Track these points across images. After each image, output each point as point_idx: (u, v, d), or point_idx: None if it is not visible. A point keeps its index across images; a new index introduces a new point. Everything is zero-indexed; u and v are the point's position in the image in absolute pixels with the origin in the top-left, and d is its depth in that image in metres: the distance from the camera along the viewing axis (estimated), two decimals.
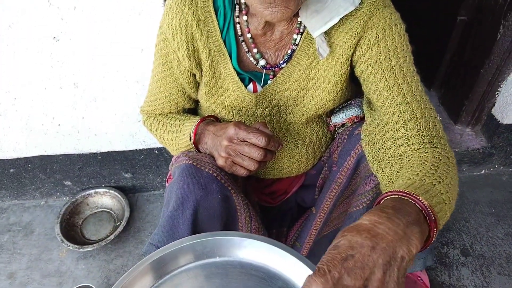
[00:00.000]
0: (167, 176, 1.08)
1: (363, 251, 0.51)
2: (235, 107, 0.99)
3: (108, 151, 1.58)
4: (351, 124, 1.03)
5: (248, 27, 0.91)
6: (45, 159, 1.60)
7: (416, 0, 1.82)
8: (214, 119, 1.02)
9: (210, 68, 0.94)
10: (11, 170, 1.64)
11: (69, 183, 1.71)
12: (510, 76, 1.52)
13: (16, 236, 1.69)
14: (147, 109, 1.10)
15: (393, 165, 0.80)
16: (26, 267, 1.59)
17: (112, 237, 1.58)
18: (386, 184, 0.80)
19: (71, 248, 1.56)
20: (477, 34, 1.57)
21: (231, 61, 0.94)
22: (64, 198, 1.79)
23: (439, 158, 0.75)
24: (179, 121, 1.04)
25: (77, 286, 1.43)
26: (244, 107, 0.99)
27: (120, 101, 1.41)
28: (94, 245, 1.57)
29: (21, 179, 1.68)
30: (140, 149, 1.58)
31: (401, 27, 0.87)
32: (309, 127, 1.05)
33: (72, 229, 1.67)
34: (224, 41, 0.93)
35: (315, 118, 1.04)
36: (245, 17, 0.90)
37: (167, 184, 1.01)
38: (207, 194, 0.86)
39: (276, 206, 1.25)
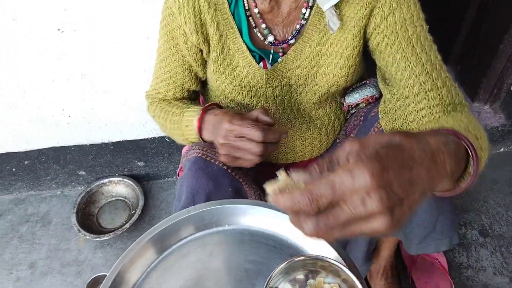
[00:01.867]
0: (179, 168, 1.07)
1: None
2: (245, 86, 0.95)
3: (120, 141, 1.58)
4: (366, 105, 1.00)
5: (255, 1, 0.88)
6: (58, 150, 1.61)
7: None
8: (216, 106, 0.96)
9: (218, 43, 0.90)
10: (26, 162, 1.66)
11: (83, 173, 1.72)
12: None
13: (34, 226, 1.72)
14: (152, 93, 1.07)
15: (410, 113, 0.79)
16: (46, 256, 1.62)
17: (127, 225, 1.59)
18: None
19: (88, 237, 1.58)
20: (495, 9, 1.51)
21: (241, 35, 0.90)
22: (79, 188, 1.80)
23: (469, 119, 0.72)
24: (180, 109, 0.98)
25: (94, 276, 1.45)
26: (255, 85, 0.95)
27: (128, 91, 1.40)
28: (110, 234, 1.58)
29: (36, 171, 1.70)
30: (151, 138, 1.58)
31: None
32: (321, 108, 1.02)
33: (88, 219, 1.69)
34: (233, 15, 0.89)
35: (327, 99, 1.00)
36: None
37: (178, 177, 1.00)
38: (218, 188, 0.85)
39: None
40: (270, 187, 0.46)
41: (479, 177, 1.67)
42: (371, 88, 0.99)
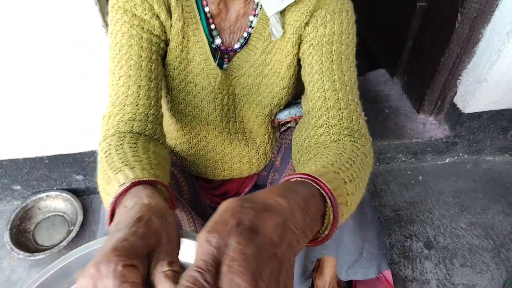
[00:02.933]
0: None
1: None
2: (196, 84, 0.88)
3: (55, 154, 1.49)
4: (295, 125, 0.98)
5: (206, 0, 0.83)
6: None
7: None
8: (150, 187, 0.60)
9: (180, 31, 0.82)
10: None
11: (19, 187, 1.62)
12: (470, 64, 1.48)
13: None
14: (108, 115, 0.80)
15: (311, 152, 0.76)
16: None
17: (64, 243, 1.51)
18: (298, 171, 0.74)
19: (21, 256, 1.48)
20: (436, 22, 1.53)
21: (203, 26, 0.84)
22: (15, 202, 1.70)
23: (356, 153, 0.69)
24: (114, 170, 0.65)
25: None
26: (206, 87, 0.88)
27: (63, 102, 1.32)
28: (46, 252, 1.49)
29: None
30: (89, 151, 1.51)
31: (352, 15, 0.83)
32: (264, 125, 0.99)
33: (23, 235, 1.59)
34: (196, 3, 0.83)
35: (269, 115, 0.97)
36: None
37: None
38: None
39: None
40: None
41: (425, 187, 1.68)
42: (300, 108, 0.97)
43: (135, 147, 0.71)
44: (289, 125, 1.01)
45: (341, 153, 0.68)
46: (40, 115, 1.36)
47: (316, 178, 0.54)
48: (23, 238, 1.58)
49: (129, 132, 0.76)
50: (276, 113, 0.99)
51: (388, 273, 1.42)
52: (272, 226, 0.43)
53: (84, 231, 1.60)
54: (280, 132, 1.04)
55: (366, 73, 1.87)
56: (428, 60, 1.61)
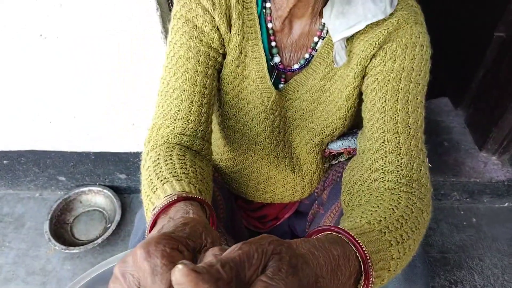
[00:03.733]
0: None
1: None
2: (249, 102, 0.85)
3: (102, 152, 1.51)
4: (347, 158, 0.92)
5: (270, 15, 0.79)
6: (37, 153, 1.55)
7: (452, 12, 1.65)
8: (195, 204, 0.59)
9: (238, 46, 0.79)
10: (5, 162, 1.60)
11: (63, 178, 1.66)
12: None
13: (7, 228, 1.65)
14: (156, 126, 0.79)
15: (362, 198, 0.70)
16: (13, 262, 1.55)
17: (99, 240, 1.52)
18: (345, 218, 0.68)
19: (57, 248, 1.51)
20: None
21: (263, 42, 0.79)
22: (59, 192, 1.74)
23: (412, 209, 0.63)
24: (161, 180, 0.64)
25: None
26: (258, 106, 0.84)
27: (113, 101, 1.33)
28: (81, 247, 1.51)
29: (15, 171, 1.64)
30: (134, 152, 1.51)
31: (427, 51, 0.75)
32: (312, 153, 0.93)
33: (62, 227, 1.62)
34: (259, 18, 0.79)
35: (320, 144, 0.91)
36: (268, 4, 0.78)
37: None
38: None
39: (266, 231, 1.15)
40: None
41: (478, 231, 1.54)
42: (356, 140, 0.90)
43: (184, 159, 0.70)
44: (340, 158, 0.95)
45: (393, 208, 0.62)
46: (92, 112, 1.37)
47: (354, 238, 0.49)
48: (61, 230, 1.61)
49: (178, 144, 0.75)
50: (328, 143, 0.93)
51: None
52: (307, 275, 0.39)
53: (120, 230, 1.61)
54: (330, 164, 0.98)
55: (428, 100, 1.76)
56: (500, 95, 1.48)
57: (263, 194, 1.02)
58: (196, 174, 0.68)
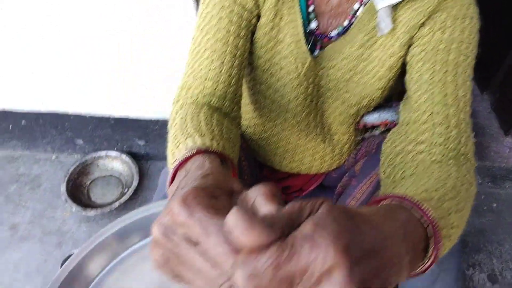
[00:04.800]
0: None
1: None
2: (282, 68, 0.81)
3: (121, 117, 1.49)
4: (383, 131, 0.89)
5: None
6: (56, 116, 1.54)
7: None
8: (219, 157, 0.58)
9: (274, 7, 0.76)
10: (23, 122, 1.59)
11: (81, 141, 1.65)
12: None
13: (23, 188, 1.65)
14: (186, 85, 0.78)
15: (406, 170, 0.67)
16: (29, 221, 1.55)
17: (117, 204, 1.52)
18: (390, 190, 0.66)
19: (74, 210, 1.51)
20: None
21: (300, 5, 0.76)
22: (75, 156, 1.73)
23: (462, 181, 0.60)
24: (190, 131, 0.64)
25: (74, 252, 1.38)
26: (292, 71, 0.81)
27: (135, 66, 1.30)
28: (98, 210, 1.51)
29: (32, 132, 1.63)
30: (155, 119, 1.49)
31: (476, 24, 0.72)
32: (345, 124, 0.90)
33: (78, 189, 1.61)
34: None
35: (354, 115, 0.89)
36: None
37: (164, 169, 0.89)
38: None
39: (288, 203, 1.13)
40: None
41: (498, 216, 1.52)
42: (394, 112, 0.87)
43: (210, 118, 0.68)
44: (375, 131, 0.92)
45: (445, 180, 0.59)
46: (113, 75, 1.35)
47: (417, 204, 0.47)
48: (78, 192, 1.60)
49: (207, 105, 0.74)
50: (363, 115, 0.91)
51: None
52: (369, 235, 0.35)
53: (137, 196, 1.60)
54: (363, 137, 0.95)
55: None
56: None
57: (290, 163, 1.00)
58: (221, 132, 0.66)
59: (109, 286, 0.61)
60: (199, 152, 0.55)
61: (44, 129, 1.61)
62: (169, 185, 0.54)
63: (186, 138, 0.61)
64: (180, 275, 0.42)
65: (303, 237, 0.33)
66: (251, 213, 0.33)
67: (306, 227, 0.34)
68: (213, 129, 0.65)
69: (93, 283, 0.62)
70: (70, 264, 0.62)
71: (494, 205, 1.59)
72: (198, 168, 0.51)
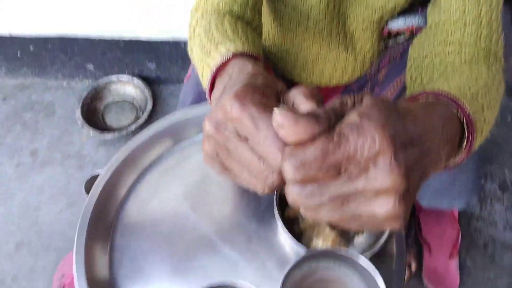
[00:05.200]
0: (187, 74, 0.96)
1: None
2: None
3: (131, 40, 1.46)
4: (409, 38, 0.87)
5: None
6: (65, 40, 1.51)
7: None
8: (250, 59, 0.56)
9: None
10: (31, 48, 1.56)
11: (91, 66, 1.63)
12: None
13: (38, 115, 1.66)
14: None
15: (434, 72, 0.67)
16: (48, 147, 1.58)
17: (133, 127, 1.53)
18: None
19: (91, 133, 1.53)
20: None
21: None
22: (86, 82, 1.72)
23: (492, 80, 0.61)
24: (219, 39, 0.62)
25: (96, 172, 1.41)
26: None
27: None
28: (115, 133, 1.53)
29: (41, 59, 1.61)
30: (165, 40, 1.46)
31: None
32: (369, 31, 0.88)
33: (93, 114, 1.62)
34: None
35: (378, 22, 0.86)
36: None
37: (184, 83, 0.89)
38: None
39: None
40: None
41: (510, 128, 1.52)
42: (420, 17, 0.84)
43: (235, 25, 0.67)
44: (399, 38, 0.89)
45: (476, 78, 0.59)
46: None
47: (454, 99, 0.47)
48: (93, 117, 1.61)
49: (229, 13, 0.72)
50: (387, 21, 0.88)
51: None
52: (409, 126, 0.36)
53: (152, 119, 1.61)
54: (386, 46, 0.93)
55: None
56: None
57: (310, 75, 0.98)
58: (248, 38, 0.65)
59: (149, 186, 0.64)
60: (235, 56, 0.55)
61: (53, 55, 1.59)
62: (209, 94, 0.55)
63: (218, 45, 0.60)
64: (228, 168, 0.45)
65: (350, 125, 0.34)
66: (295, 110, 0.35)
67: (352, 117, 0.35)
68: (241, 36, 0.64)
69: (134, 184, 0.64)
70: (112, 166, 0.64)
71: (509, 117, 1.59)
72: (241, 71, 0.51)
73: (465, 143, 0.46)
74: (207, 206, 0.61)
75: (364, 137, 0.33)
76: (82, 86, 1.70)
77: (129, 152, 0.65)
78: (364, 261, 0.48)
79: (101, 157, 1.55)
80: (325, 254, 0.51)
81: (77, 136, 1.60)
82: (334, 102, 0.38)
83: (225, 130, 0.41)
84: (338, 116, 0.36)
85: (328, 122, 0.35)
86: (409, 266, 1.30)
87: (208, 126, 0.42)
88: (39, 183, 1.50)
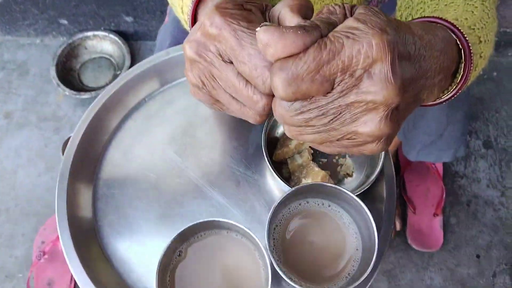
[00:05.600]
0: (165, 19, 0.90)
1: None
2: None
3: None
4: None
5: None
6: None
7: None
8: None
9: None
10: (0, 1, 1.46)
11: (65, 21, 1.54)
12: None
13: (11, 74, 1.58)
14: None
15: (425, 9, 0.64)
16: (22, 108, 1.52)
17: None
18: None
19: (67, 93, 1.46)
20: None
21: None
22: (61, 39, 1.63)
23: (488, 14, 0.57)
24: None
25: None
26: None
27: None
28: (92, 92, 1.47)
29: (12, 12, 1.51)
30: None
31: None
32: None
33: (69, 74, 1.55)
34: None
35: None
36: None
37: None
38: None
39: None
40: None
41: (497, 85, 1.50)
42: None
43: None
44: None
45: (472, 11, 0.56)
46: None
47: (454, 26, 0.44)
48: (69, 77, 1.55)
49: None
50: None
51: (439, 164, 1.36)
52: (407, 37, 0.34)
53: None
54: None
55: None
56: None
57: None
58: None
59: (131, 131, 0.61)
60: None
61: (24, 8, 1.49)
62: (191, 26, 0.49)
63: None
64: (217, 99, 0.42)
65: (345, 31, 0.31)
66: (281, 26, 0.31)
67: (348, 22, 0.31)
68: None
69: (117, 130, 0.61)
70: (90, 113, 0.60)
71: (495, 73, 1.57)
72: None
73: (460, 75, 0.43)
74: (194, 151, 0.59)
75: (361, 43, 0.30)
76: (56, 43, 1.62)
77: (107, 98, 0.62)
78: (353, 198, 0.46)
79: (78, 118, 1.48)
80: (313, 189, 0.49)
81: (53, 96, 1.53)
82: (322, 11, 0.34)
83: (207, 51, 0.38)
84: (329, 27, 0.32)
85: (319, 33, 0.31)
86: (394, 225, 1.30)
87: (188, 50, 0.39)
88: (15, 146, 1.45)
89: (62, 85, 1.46)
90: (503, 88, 1.54)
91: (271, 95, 0.36)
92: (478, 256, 1.28)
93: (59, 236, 0.51)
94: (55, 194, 0.54)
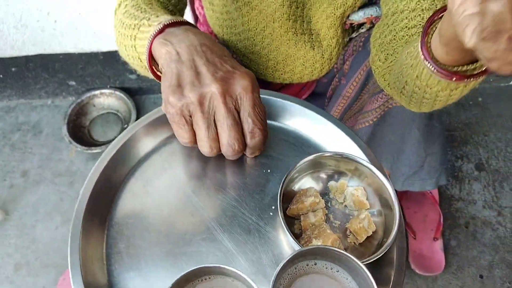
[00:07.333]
0: None
1: None
2: None
3: (110, 51, 1.49)
4: (369, 28, 0.92)
5: None
6: (45, 57, 1.53)
7: None
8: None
9: None
10: (13, 69, 1.58)
11: (73, 83, 1.66)
12: None
13: (25, 135, 1.69)
14: None
15: (399, 50, 0.72)
16: (38, 166, 1.61)
17: None
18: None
19: (79, 149, 1.56)
20: None
21: None
22: (70, 99, 1.75)
23: None
24: (140, 18, 0.68)
25: None
26: None
27: None
28: (102, 146, 1.56)
29: (24, 78, 1.63)
30: None
31: None
32: (333, 28, 0.93)
33: (80, 130, 1.66)
34: None
35: (340, 17, 0.91)
36: None
37: None
38: None
39: None
40: None
41: (483, 109, 1.57)
42: (377, 8, 0.89)
43: (151, 5, 0.72)
44: (361, 29, 0.95)
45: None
46: (97, 8, 1.34)
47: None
48: (80, 133, 1.65)
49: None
50: (348, 15, 0.93)
51: (434, 190, 1.42)
52: None
53: None
54: (350, 37, 0.98)
55: None
56: None
57: (282, 74, 1.03)
58: (175, 13, 0.75)
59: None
60: (171, 24, 0.62)
61: (35, 74, 1.61)
62: (149, 63, 0.63)
63: (147, 19, 0.65)
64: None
65: None
66: None
67: None
68: (162, 12, 0.69)
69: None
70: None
71: (480, 99, 1.65)
72: (187, 29, 0.62)
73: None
74: (210, 192, 0.61)
75: None
76: (66, 103, 1.74)
77: (128, 137, 0.71)
78: (361, 266, 0.46)
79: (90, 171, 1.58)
80: (321, 252, 0.49)
81: (66, 153, 1.63)
82: None
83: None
84: None
85: None
86: None
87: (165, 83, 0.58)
88: (32, 202, 1.53)
89: (73, 142, 1.57)
90: (489, 112, 1.62)
91: None
92: (481, 277, 1.32)
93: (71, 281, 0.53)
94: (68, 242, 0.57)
